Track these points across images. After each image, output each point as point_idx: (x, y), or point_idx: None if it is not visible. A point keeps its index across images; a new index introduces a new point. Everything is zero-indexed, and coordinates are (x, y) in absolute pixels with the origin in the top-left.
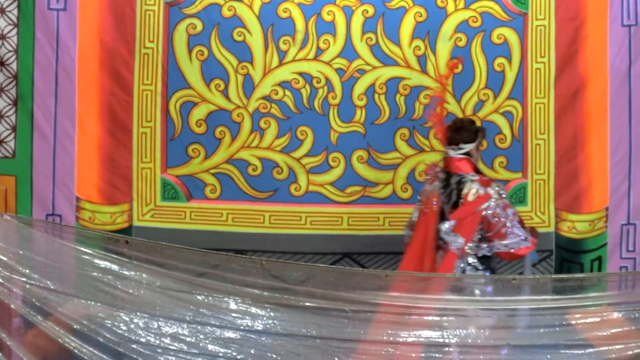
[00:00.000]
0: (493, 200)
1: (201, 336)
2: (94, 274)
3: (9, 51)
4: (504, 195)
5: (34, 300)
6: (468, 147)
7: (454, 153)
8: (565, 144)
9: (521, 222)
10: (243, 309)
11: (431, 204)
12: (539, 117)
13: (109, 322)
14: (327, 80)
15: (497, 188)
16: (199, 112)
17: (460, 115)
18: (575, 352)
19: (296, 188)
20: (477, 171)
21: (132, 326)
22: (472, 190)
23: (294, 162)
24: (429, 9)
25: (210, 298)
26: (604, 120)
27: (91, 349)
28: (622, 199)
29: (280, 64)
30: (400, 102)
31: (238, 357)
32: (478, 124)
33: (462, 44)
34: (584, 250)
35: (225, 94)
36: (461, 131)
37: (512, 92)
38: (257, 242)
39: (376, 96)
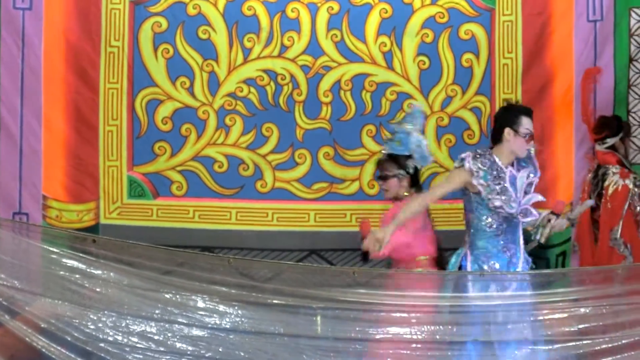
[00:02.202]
0: (630, 192)
1: (169, 334)
2: (62, 272)
3: None
4: (638, 183)
5: (1, 299)
6: (612, 141)
7: (599, 147)
8: None
9: None
10: (211, 306)
11: (585, 194)
12: None
13: (77, 321)
14: (292, 77)
15: (633, 178)
16: (165, 110)
17: (428, 112)
18: (542, 347)
19: (262, 185)
20: (621, 163)
21: (100, 325)
22: (612, 184)
23: (260, 158)
24: (394, 6)
25: (177, 296)
26: (570, 115)
27: (59, 348)
28: None
29: (245, 61)
30: (366, 99)
31: (206, 355)
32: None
33: (429, 40)
34: (549, 245)
35: (190, 91)
36: (605, 127)
37: (480, 87)
38: (224, 239)
39: (342, 92)
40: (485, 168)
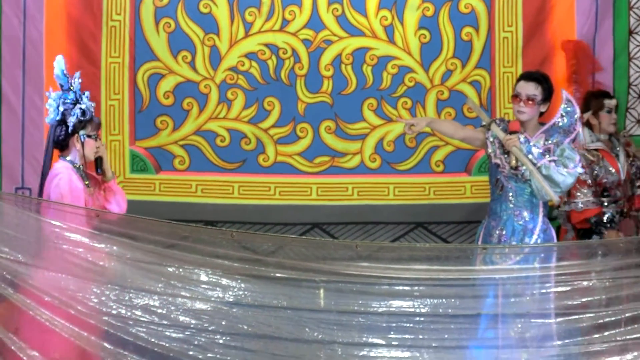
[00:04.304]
0: None
1: (172, 308)
2: (65, 246)
3: None
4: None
5: (4, 273)
6: (586, 115)
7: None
8: None
9: None
10: (214, 280)
11: None
12: (507, 86)
13: (80, 294)
14: (294, 51)
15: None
16: (167, 84)
17: (428, 86)
18: (545, 320)
19: (264, 159)
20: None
21: (104, 298)
22: None
23: (262, 132)
24: None
25: (180, 270)
26: (571, 87)
27: (62, 322)
28: None
29: (246, 35)
30: (367, 72)
31: (209, 328)
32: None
33: (429, 13)
34: (551, 218)
35: (192, 65)
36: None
37: (480, 61)
38: (227, 213)
39: (343, 66)
40: (499, 129)
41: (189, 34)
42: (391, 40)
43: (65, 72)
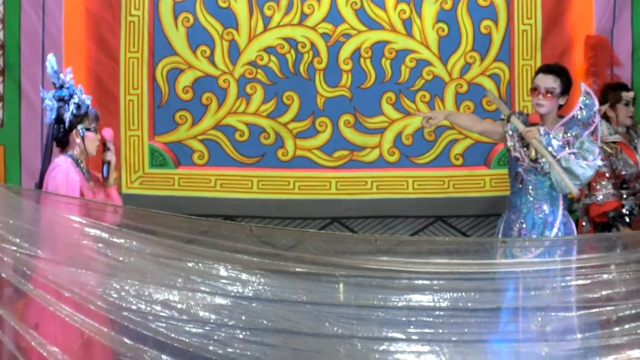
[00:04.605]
0: None
1: (192, 303)
2: (84, 242)
3: None
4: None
5: (24, 268)
6: (603, 108)
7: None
8: None
9: None
10: (233, 275)
11: None
12: (526, 79)
13: (100, 289)
14: (313, 45)
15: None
16: (186, 79)
17: (447, 79)
18: (566, 314)
19: (283, 153)
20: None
21: (123, 293)
22: None
23: (281, 127)
24: None
25: (200, 265)
26: (590, 80)
27: (82, 317)
28: None
29: (265, 29)
30: (386, 66)
31: (229, 323)
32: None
33: (448, 6)
34: (570, 211)
35: (211, 60)
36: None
37: (499, 54)
38: (246, 208)
39: (362, 60)
40: (518, 121)
41: (208, 28)
42: (409, 33)
43: (56, 69)
